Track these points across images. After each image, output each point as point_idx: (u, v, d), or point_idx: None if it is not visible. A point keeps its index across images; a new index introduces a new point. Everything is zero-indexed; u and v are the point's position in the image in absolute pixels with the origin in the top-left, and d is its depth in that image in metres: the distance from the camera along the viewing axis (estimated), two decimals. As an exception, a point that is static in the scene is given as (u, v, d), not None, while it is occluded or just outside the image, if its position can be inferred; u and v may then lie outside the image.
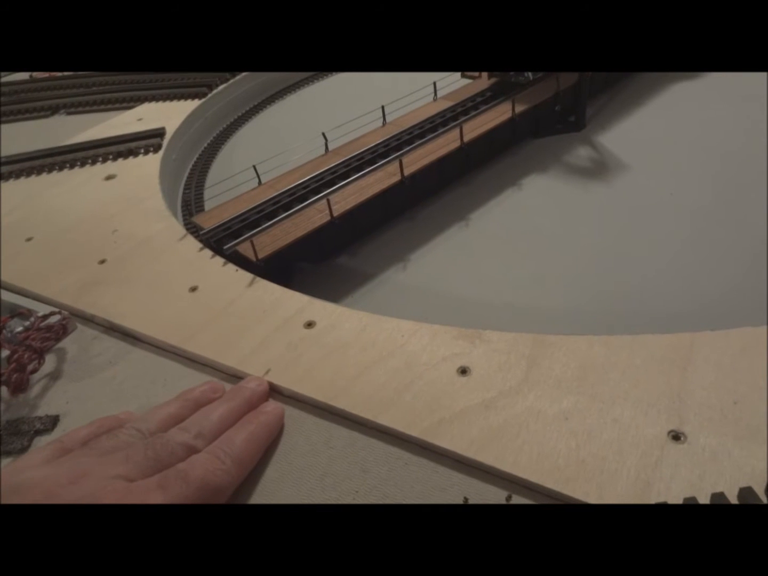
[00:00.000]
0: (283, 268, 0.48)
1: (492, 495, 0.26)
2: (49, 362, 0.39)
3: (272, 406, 0.31)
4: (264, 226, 0.45)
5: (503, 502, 0.26)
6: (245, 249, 0.45)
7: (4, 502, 0.21)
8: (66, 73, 1.05)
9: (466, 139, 0.58)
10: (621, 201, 0.56)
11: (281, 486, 0.28)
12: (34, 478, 0.22)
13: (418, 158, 0.56)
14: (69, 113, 0.93)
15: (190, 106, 0.85)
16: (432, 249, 0.54)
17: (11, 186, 0.67)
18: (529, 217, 0.56)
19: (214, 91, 0.89)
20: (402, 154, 0.53)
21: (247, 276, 0.43)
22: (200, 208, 0.64)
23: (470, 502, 0.26)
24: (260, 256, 0.45)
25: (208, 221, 0.50)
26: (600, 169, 0.63)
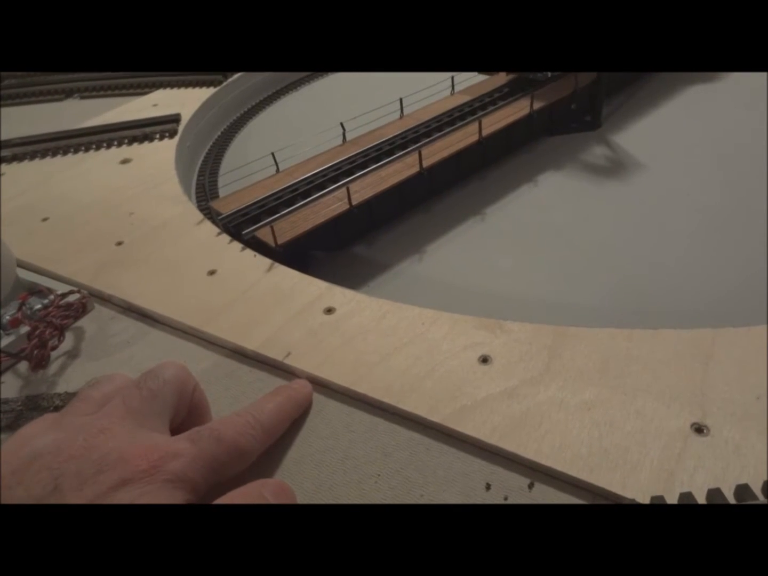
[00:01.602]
0: (300, 256, 0.49)
1: (514, 482, 0.26)
2: (68, 340, 0.39)
3: (301, 383, 0.32)
4: (284, 211, 0.45)
5: (526, 489, 0.26)
6: (264, 234, 0.45)
7: (18, 476, 0.21)
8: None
9: (484, 133, 0.58)
10: (637, 199, 0.56)
11: (302, 467, 0.28)
12: (46, 445, 0.21)
13: (436, 151, 0.56)
14: (83, 97, 0.93)
15: (204, 93, 0.85)
16: (448, 242, 0.54)
17: (25, 167, 0.67)
18: (545, 213, 0.56)
19: (230, 80, 0.89)
20: (421, 146, 0.53)
21: (266, 261, 0.43)
22: (215, 195, 0.64)
23: (493, 488, 0.26)
24: (280, 241, 0.45)
25: (226, 206, 0.50)
26: (616, 167, 0.63)
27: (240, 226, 0.47)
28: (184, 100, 0.82)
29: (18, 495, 0.20)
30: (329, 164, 0.55)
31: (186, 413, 0.27)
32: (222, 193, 0.64)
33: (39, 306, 0.39)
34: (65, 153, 0.68)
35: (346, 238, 0.53)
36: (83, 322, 0.41)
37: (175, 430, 0.25)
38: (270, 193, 0.51)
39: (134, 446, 0.22)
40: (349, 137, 0.62)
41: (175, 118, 0.73)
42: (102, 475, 0.20)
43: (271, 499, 0.23)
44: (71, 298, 0.40)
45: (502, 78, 0.72)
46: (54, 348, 0.36)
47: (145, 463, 0.21)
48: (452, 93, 0.70)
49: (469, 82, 0.73)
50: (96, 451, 0.21)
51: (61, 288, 0.41)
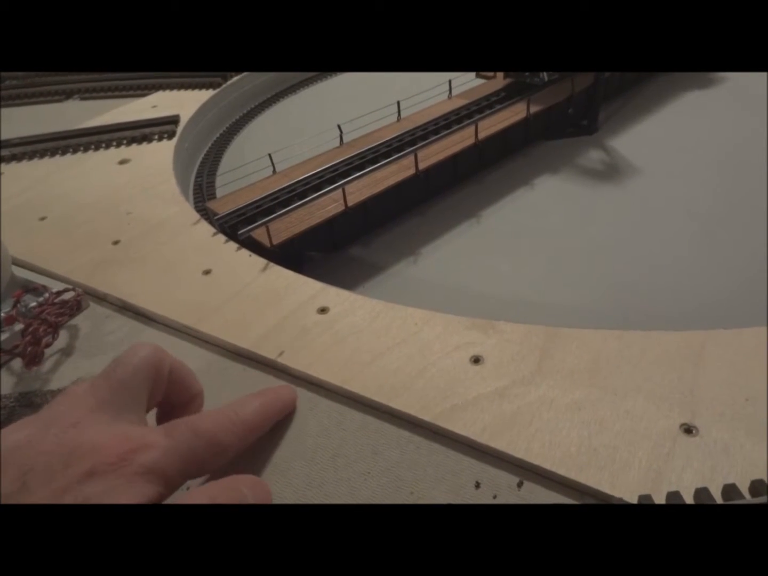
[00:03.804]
0: (295, 257, 0.49)
1: (504, 480, 0.26)
2: (62, 338, 0.39)
3: (286, 388, 0.31)
4: (280, 212, 0.45)
5: (515, 487, 0.26)
6: (259, 235, 0.45)
7: None
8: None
9: (480, 136, 0.58)
10: (632, 203, 0.57)
11: (293, 465, 0.28)
12: (17, 441, 0.21)
13: (432, 153, 0.56)
14: (83, 98, 0.93)
15: (204, 95, 0.85)
16: (443, 244, 0.54)
17: (24, 167, 0.67)
18: (541, 216, 0.57)
19: (229, 82, 0.89)
20: (418, 148, 0.53)
21: (261, 261, 0.43)
22: (212, 195, 0.64)
23: (482, 486, 0.26)
24: (275, 242, 0.45)
25: (222, 207, 0.51)
26: (611, 172, 0.63)
27: (236, 227, 0.47)
28: (183, 102, 0.82)
29: None
30: (326, 166, 0.55)
31: (164, 394, 0.26)
32: (219, 193, 0.64)
33: (34, 303, 0.39)
34: (64, 153, 0.68)
35: (342, 240, 0.53)
36: (78, 320, 0.41)
37: (161, 407, 0.26)
38: (266, 194, 0.51)
39: (105, 438, 0.21)
40: (346, 140, 0.63)
41: (174, 120, 0.74)
42: (70, 468, 0.20)
43: (247, 492, 0.23)
44: (66, 296, 0.40)
45: (499, 82, 0.72)
46: (48, 345, 0.36)
47: (115, 456, 0.21)
48: (449, 97, 0.71)
49: (467, 86, 0.73)
50: (66, 446, 0.21)
51: (56, 286, 0.42)
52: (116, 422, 0.23)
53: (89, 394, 0.23)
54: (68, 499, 0.19)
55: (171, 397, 0.27)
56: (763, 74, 0.78)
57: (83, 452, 0.21)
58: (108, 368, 0.25)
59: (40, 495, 0.19)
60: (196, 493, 0.22)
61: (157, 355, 0.26)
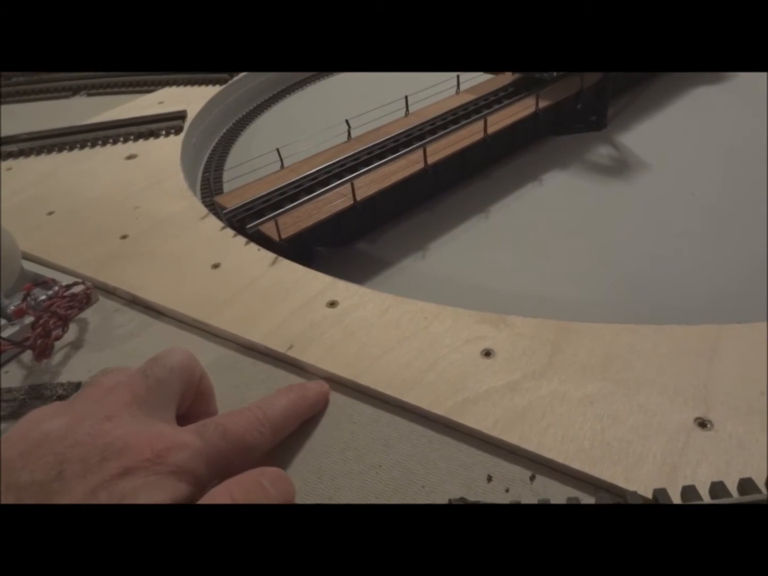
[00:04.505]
0: (304, 251, 0.49)
1: (516, 474, 0.26)
2: (72, 332, 0.39)
3: (318, 383, 0.31)
4: (288, 206, 0.45)
5: (527, 481, 0.26)
6: (268, 229, 0.45)
7: (25, 459, 0.20)
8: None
9: (489, 131, 0.58)
10: (642, 198, 0.56)
11: (304, 457, 0.28)
12: (54, 429, 0.21)
13: (441, 148, 0.56)
14: (90, 94, 0.93)
15: (210, 91, 0.85)
16: (451, 239, 0.54)
17: (32, 162, 0.68)
18: (550, 211, 0.56)
19: (235, 78, 0.89)
20: (426, 143, 0.53)
21: (270, 255, 0.43)
22: (219, 190, 0.64)
23: (494, 480, 0.26)
24: (283, 236, 0.45)
25: (230, 201, 0.51)
26: (621, 167, 0.63)
27: (244, 221, 0.47)
28: (190, 98, 0.82)
29: (23, 479, 0.19)
30: (334, 160, 0.55)
31: (191, 401, 0.26)
32: (227, 188, 0.64)
33: (43, 297, 0.39)
34: (72, 149, 0.69)
35: (350, 234, 0.53)
36: (87, 313, 0.41)
37: (180, 417, 0.25)
38: (274, 188, 0.51)
39: (140, 435, 0.21)
40: (354, 135, 0.63)
41: (181, 115, 0.74)
42: (106, 463, 0.20)
43: (269, 487, 0.22)
44: (76, 289, 0.40)
45: (507, 77, 0.72)
46: (58, 338, 0.36)
47: (150, 453, 0.21)
48: (457, 92, 0.70)
49: (475, 81, 0.73)
50: (101, 438, 0.21)
51: (66, 280, 0.42)
52: (148, 419, 0.23)
53: (125, 389, 0.23)
54: (103, 495, 0.19)
55: (192, 407, 0.27)
56: (774, 69, 0.77)
57: (119, 448, 0.21)
58: (145, 366, 0.25)
59: (75, 487, 0.19)
60: (218, 492, 0.21)
61: (191, 360, 0.26)
